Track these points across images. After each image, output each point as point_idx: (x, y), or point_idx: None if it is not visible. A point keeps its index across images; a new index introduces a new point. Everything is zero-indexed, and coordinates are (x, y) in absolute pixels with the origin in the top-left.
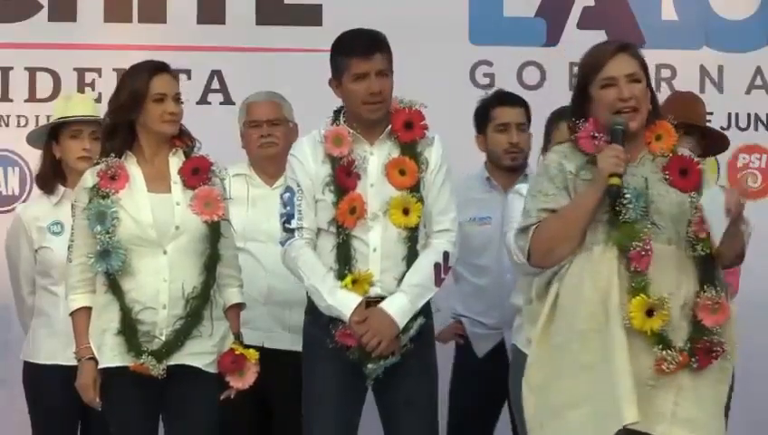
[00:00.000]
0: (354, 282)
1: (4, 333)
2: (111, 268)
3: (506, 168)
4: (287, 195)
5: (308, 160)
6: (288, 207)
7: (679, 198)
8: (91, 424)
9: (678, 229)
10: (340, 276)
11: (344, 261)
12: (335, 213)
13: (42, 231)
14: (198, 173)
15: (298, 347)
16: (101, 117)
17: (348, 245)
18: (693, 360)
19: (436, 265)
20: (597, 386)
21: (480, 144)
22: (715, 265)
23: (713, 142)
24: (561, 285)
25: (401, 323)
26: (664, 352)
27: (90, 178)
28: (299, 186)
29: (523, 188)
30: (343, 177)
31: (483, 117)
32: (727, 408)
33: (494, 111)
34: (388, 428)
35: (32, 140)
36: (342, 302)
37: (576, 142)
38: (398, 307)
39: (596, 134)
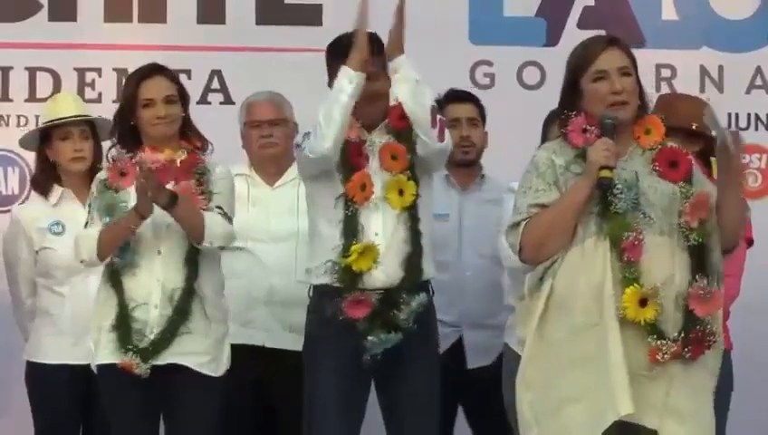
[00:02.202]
0: (362, 252)
1: (7, 334)
2: (124, 261)
3: (458, 162)
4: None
5: None
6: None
7: (670, 189)
8: (93, 425)
9: (670, 220)
10: (346, 251)
11: (351, 234)
12: (344, 188)
13: (42, 232)
14: (185, 171)
15: (299, 347)
16: (90, 115)
17: (356, 219)
18: (686, 350)
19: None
20: (594, 380)
21: None
22: (707, 254)
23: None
24: (555, 280)
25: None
26: (658, 342)
27: (104, 170)
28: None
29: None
30: (355, 155)
31: None
32: (727, 407)
33: (446, 108)
34: (390, 421)
35: (25, 143)
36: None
37: (565, 137)
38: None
39: (587, 128)
